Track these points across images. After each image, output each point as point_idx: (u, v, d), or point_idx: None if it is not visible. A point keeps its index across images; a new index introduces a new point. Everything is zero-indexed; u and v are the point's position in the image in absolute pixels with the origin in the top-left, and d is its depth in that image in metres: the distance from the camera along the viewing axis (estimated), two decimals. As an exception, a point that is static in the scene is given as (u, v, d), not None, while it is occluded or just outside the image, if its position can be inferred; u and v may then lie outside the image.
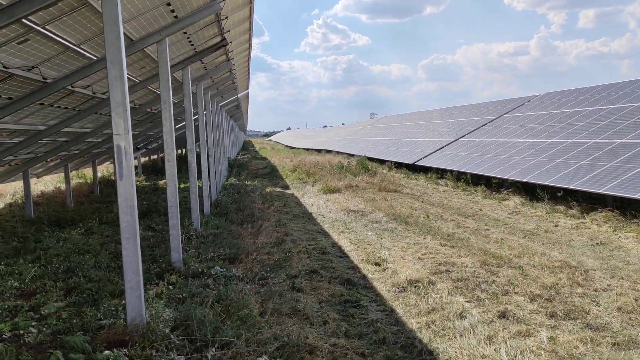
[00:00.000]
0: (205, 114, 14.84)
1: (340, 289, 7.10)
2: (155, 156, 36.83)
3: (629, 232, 10.35)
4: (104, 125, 13.23)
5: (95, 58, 7.88)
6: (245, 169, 29.38)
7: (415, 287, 7.20)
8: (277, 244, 9.92)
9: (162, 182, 21.24)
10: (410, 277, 7.50)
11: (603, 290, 7.00)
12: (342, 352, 5.05)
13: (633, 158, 12.77)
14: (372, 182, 20.01)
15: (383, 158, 29.68)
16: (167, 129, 7.92)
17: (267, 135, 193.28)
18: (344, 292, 6.98)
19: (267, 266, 8.04)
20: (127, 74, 9.76)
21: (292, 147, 68.22)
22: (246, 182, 21.33)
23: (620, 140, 14.33)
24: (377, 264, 8.55)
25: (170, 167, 8.01)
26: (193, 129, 10.49)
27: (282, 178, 24.10)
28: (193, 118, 12.51)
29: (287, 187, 20.32)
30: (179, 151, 39.47)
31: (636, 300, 6.50)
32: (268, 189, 19.42)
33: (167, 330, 4.93)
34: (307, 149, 56.17)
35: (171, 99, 7.93)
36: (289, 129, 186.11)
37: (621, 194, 11.34)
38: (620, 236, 10.25)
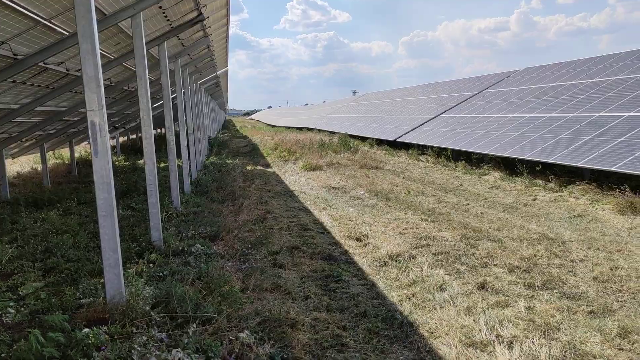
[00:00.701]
0: (183, 92, 14.64)
1: (321, 265, 7.12)
2: (135, 136, 36.34)
3: (606, 204, 10.52)
4: (79, 104, 12.97)
5: (67, 33, 7.67)
6: (225, 148, 29.17)
7: (396, 261, 7.25)
8: (259, 221, 9.89)
9: (141, 161, 20.98)
10: (391, 252, 7.55)
11: (580, 260, 7.12)
12: (323, 325, 5.08)
13: (610, 131, 12.93)
14: (354, 159, 20.03)
15: (364, 135, 29.68)
16: (143, 105, 7.78)
17: (247, 113, 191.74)
18: (326, 267, 7.01)
19: (249, 243, 8.02)
20: (102, 50, 9.55)
21: (273, 126, 67.86)
22: (227, 161, 21.18)
23: (597, 114, 14.48)
24: (358, 239, 8.58)
25: (148, 145, 7.89)
26: (171, 107, 10.33)
27: (263, 156, 23.98)
28: (171, 96, 12.29)
29: (268, 165, 20.23)
30: (159, 130, 39.01)
31: (611, 270, 6.63)
32: (249, 167, 19.33)
33: (148, 308, 4.91)
34: (289, 127, 55.92)
35: (147, 75, 7.77)
36: (270, 107, 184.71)
37: (598, 167, 11.49)
38: (597, 208, 10.42)
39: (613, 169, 10.97)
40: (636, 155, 10.99)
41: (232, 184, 14.32)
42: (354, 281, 6.55)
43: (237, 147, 30.13)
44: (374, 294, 6.06)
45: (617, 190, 10.87)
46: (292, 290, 6.04)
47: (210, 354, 4.10)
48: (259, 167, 19.50)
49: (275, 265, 7.05)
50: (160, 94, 18.50)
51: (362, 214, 10.59)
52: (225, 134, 44.64)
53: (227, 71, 30.72)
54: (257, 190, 13.63)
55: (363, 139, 29.63)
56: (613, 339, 4.71)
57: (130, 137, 36.35)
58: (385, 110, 34.15)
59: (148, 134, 7.90)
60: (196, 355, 4.09)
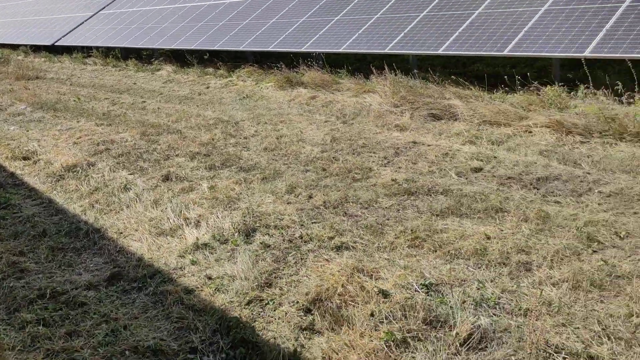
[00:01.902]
0: None
1: (-17, 195, 6.19)
2: None
3: (268, 83, 11.53)
4: None
5: None
6: None
7: (73, 172, 6.75)
8: None
9: None
10: (67, 163, 6.98)
11: (252, 136, 7.77)
12: (-4, 258, 4.51)
13: (262, 14, 13.87)
14: (7, 72, 17.40)
15: (15, 42, 25.74)
16: None
17: None
18: (-11, 196, 6.12)
19: None
20: None
21: None
22: None
23: (251, -1, 15.30)
24: (25, 158, 7.66)
25: None
26: None
27: None
28: None
29: None
30: None
31: (277, 139, 7.43)
32: None
33: None
34: None
35: None
36: None
37: (257, 49, 12.38)
38: (261, 87, 11.36)
39: (269, 49, 11.95)
40: (286, 34, 12.13)
41: None
42: (27, 203, 5.90)
43: None
44: (53, 211, 5.60)
45: (276, 68, 11.96)
46: (-52, 231, 5.14)
47: None
48: None
49: None
50: None
51: (27, 131, 9.43)
52: None
53: None
54: None
55: (14, 47, 25.71)
56: (283, 196, 5.38)
57: None
58: (34, 12, 29.90)
59: None
60: None
